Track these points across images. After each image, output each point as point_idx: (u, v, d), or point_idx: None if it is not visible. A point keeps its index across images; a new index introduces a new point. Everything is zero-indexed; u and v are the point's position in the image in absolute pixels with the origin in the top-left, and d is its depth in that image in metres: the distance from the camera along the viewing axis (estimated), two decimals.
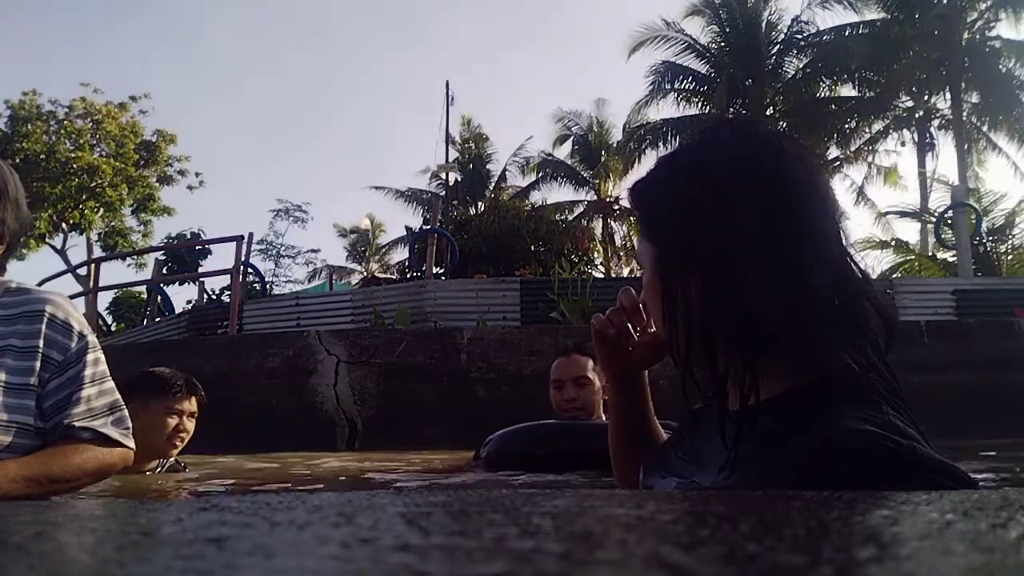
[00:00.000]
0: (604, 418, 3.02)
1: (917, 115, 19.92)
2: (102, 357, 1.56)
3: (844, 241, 0.77)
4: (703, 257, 0.76)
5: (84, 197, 21.76)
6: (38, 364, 1.45)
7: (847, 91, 20.05)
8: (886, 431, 0.66)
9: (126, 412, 1.60)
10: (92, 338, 1.54)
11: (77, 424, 1.47)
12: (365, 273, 25.56)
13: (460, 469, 3.07)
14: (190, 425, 2.77)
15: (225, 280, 11.87)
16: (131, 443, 1.58)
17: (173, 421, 2.64)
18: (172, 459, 2.83)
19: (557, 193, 28.47)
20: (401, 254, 23.41)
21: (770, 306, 0.72)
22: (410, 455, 3.69)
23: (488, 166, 24.28)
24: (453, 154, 21.86)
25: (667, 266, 0.80)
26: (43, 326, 1.46)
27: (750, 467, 0.70)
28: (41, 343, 1.45)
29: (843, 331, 0.74)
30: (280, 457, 4.18)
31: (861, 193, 21.23)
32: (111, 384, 1.57)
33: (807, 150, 0.82)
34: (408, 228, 21.30)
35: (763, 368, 0.73)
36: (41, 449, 1.44)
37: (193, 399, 2.78)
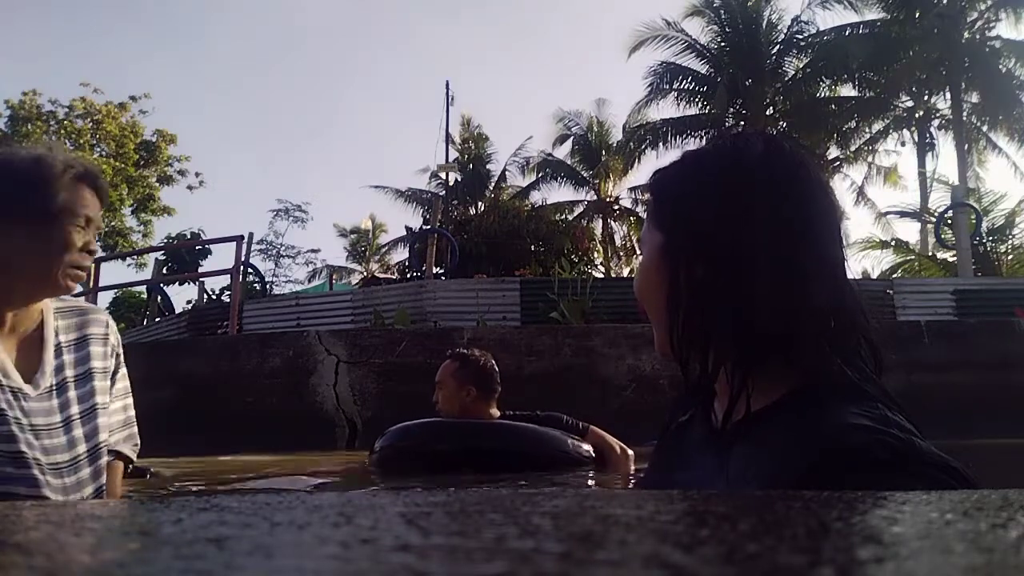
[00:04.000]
0: (485, 412, 3.18)
1: (917, 115, 19.91)
2: (126, 372, 1.60)
3: (846, 271, 0.80)
4: (712, 253, 0.77)
5: None
6: (109, 384, 1.48)
7: (847, 91, 20.04)
8: (884, 426, 0.66)
9: (136, 428, 1.63)
10: (122, 353, 1.58)
11: (111, 447, 1.51)
12: (365, 273, 25.53)
13: (356, 469, 3.22)
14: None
15: (225, 280, 11.88)
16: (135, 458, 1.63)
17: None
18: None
19: (557, 193, 28.53)
20: (401, 254, 23.39)
21: (767, 310, 0.74)
22: None
23: (488, 166, 24.23)
24: (453, 154, 21.85)
25: (674, 256, 0.80)
26: (108, 349, 1.49)
27: (752, 476, 0.70)
28: (112, 364, 1.49)
29: (836, 346, 0.75)
30: (279, 457, 4.18)
31: (861, 193, 21.23)
32: (131, 400, 1.61)
33: (822, 170, 0.85)
34: (408, 228, 21.29)
35: (755, 374, 0.74)
36: None
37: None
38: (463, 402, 3.17)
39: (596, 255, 20.10)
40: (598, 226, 22.99)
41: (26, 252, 1.29)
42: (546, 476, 2.74)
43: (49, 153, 1.35)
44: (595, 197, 23.89)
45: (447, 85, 20.38)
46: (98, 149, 22.18)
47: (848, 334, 0.76)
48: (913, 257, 13.18)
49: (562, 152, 24.53)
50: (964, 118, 18.88)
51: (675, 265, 0.80)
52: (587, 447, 2.99)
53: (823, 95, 20.10)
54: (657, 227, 0.85)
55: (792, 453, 0.68)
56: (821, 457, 0.65)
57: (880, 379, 0.77)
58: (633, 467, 3.06)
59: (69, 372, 1.40)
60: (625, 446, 3.11)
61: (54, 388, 1.36)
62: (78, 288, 1.48)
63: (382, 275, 21.82)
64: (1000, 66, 18.18)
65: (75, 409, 1.38)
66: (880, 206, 20.77)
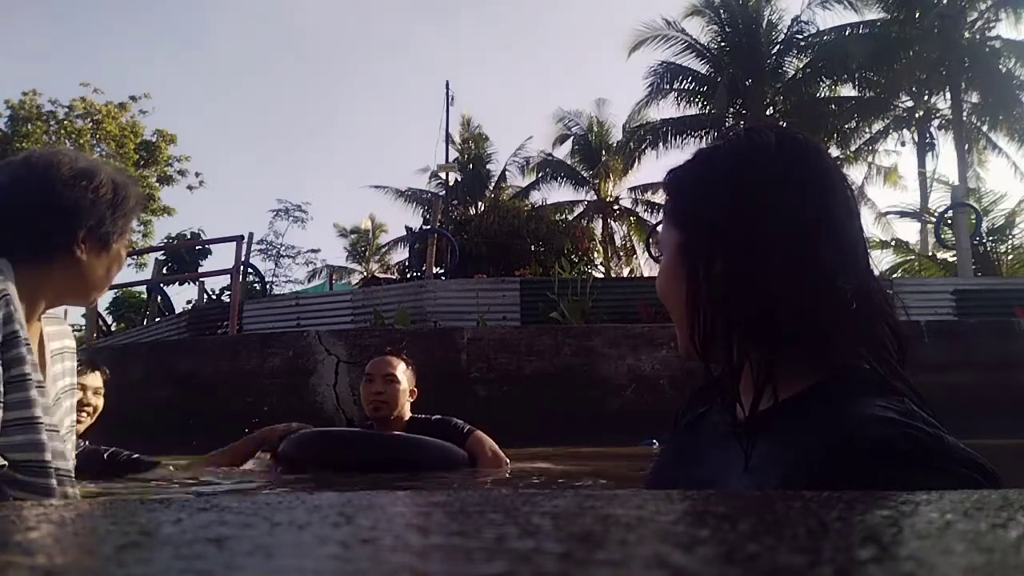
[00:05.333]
0: (407, 414, 3.34)
1: (917, 115, 19.92)
2: None
3: (868, 261, 0.79)
4: (729, 248, 0.76)
5: None
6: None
7: (847, 91, 20.06)
8: (909, 419, 0.65)
9: None
10: None
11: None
12: (365, 273, 25.51)
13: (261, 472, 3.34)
14: (95, 400, 2.95)
15: (225, 280, 11.87)
16: None
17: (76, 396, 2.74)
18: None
19: (557, 193, 28.41)
20: (401, 254, 23.36)
21: (787, 303, 0.73)
22: None
23: (488, 166, 24.19)
24: (453, 154, 21.84)
25: (693, 253, 0.80)
26: (75, 366, 1.42)
27: (771, 468, 0.70)
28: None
29: (860, 338, 0.74)
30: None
31: (861, 193, 21.22)
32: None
33: (838, 163, 0.83)
34: (408, 228, 21.26)
35: (780, 366, 0.73)
36: None
37: (96, 374, 2.96)
38: (407, 401, 3.33)
39: (596, 255, 20.06)
40: (598, 226, 22.98)
41: (87, 268, 1.28)
42: (423, 475, 2.99)
43: (128, 179, 1.35)
44: (595, 197, 23.88)
45: (447, 85, 20.39)
46: (98, 149, 22.16)
47: (873, 325, 0.75)
48: (913, 257, 13.17)
49: (562, 152, 24.54)
50: (964, 118, 18.88)
51: (693, 262, 0.79)
52: (464, 453, 3.20)
53: (823, 95, 20.10)
54: (674, 225, 0.84)
55: (813, 444, 0.67)
56: (843, 447, 0.64)
57: (905, 370, 0.75)
58: (505, 471, 3.24)
59: (60, 383, 1.32)
60: (499, 452, 3.27)
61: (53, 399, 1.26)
62: None
63: (382, 275, 21.80)
64: (1000, 66, 18.18)
65: (63, 425, 1.29)
66: (880, 206, 20.80)
